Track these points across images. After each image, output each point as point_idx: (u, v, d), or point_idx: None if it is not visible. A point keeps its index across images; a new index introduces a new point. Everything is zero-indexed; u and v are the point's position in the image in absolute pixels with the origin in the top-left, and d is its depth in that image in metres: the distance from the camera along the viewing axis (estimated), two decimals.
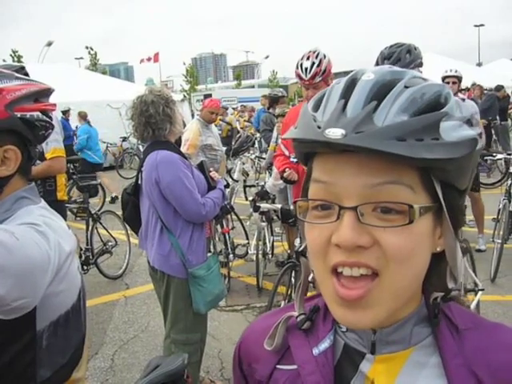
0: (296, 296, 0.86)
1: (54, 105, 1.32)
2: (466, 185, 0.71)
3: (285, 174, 3.89)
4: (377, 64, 3.51)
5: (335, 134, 0.62)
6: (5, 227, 1.09)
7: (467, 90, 14.77)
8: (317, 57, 3.63)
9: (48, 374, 1.21)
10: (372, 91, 0.66)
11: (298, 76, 3.64)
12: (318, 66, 3.58)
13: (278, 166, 4.16)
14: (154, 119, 2.98)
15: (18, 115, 1.19)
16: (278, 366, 0.81)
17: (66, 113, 14.22)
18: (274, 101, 8.92)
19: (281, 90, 9.79)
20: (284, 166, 4.04)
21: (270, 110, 8.95)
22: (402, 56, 3.47)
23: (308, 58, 3.63)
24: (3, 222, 1.19)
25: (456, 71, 6.57)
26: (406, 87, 0.66)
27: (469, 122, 0.68)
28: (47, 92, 1.30)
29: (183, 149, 5.51)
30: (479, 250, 6.16)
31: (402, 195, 0.64)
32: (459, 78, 6.52)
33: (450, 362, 0.71)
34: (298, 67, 3.65)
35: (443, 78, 6.48)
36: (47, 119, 1.27)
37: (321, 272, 0.69)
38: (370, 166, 0.64)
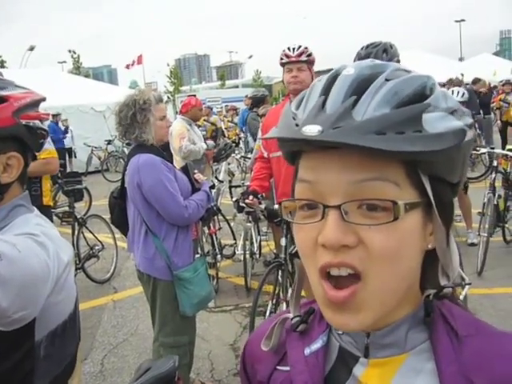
0: (291, 298, 0.84)
1: (48, 114, 1.35)
2: (457, 178, 0.69)
3: (246, 200, 3.70)
4: None
5: (312, 130, 0.60)
6: (6, 238, 1.08)
7: (444, 85, 14.85)
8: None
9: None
10: (352, 86, 0.64)
11: (285, 55, 3.71)
12: (305, 48, 3.72)
13: (252, 177, 4.05)
14: (124, 122, 3.00)
15: (23, 123, 1.21)
16: (278, 367, 0.80)
17: (55, 116, 14.67)
18: (257, 101, 8.96)
19: (263, 89, 9.84)
20: (254, 185, 3.85)
21: (254, 110, 9.00)
22: (379, 56, 3.49)
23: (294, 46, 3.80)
24: (0, 231, 1.17)
25: None
26: (387, 80, 0.64)
27: (456, 113, 0.66)
28: (42, 101, 1.33)
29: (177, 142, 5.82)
30: (472, 244, 6.20)
31: (387, 191, 0.62)
32: None
33: (444, 369, 0.67)
34: (284, 51, 3.75)
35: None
36: (44, 127, 1.30)
37: (312, 274, 0.68)
38: (352, 163, 0.62)
